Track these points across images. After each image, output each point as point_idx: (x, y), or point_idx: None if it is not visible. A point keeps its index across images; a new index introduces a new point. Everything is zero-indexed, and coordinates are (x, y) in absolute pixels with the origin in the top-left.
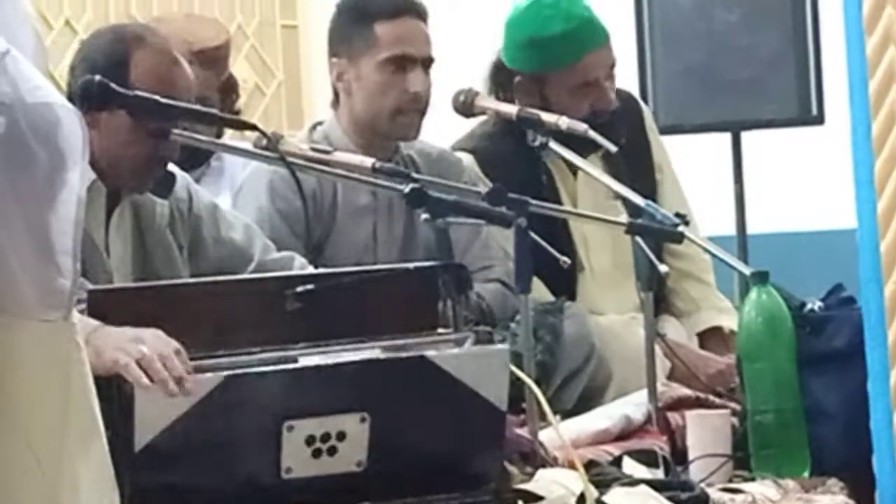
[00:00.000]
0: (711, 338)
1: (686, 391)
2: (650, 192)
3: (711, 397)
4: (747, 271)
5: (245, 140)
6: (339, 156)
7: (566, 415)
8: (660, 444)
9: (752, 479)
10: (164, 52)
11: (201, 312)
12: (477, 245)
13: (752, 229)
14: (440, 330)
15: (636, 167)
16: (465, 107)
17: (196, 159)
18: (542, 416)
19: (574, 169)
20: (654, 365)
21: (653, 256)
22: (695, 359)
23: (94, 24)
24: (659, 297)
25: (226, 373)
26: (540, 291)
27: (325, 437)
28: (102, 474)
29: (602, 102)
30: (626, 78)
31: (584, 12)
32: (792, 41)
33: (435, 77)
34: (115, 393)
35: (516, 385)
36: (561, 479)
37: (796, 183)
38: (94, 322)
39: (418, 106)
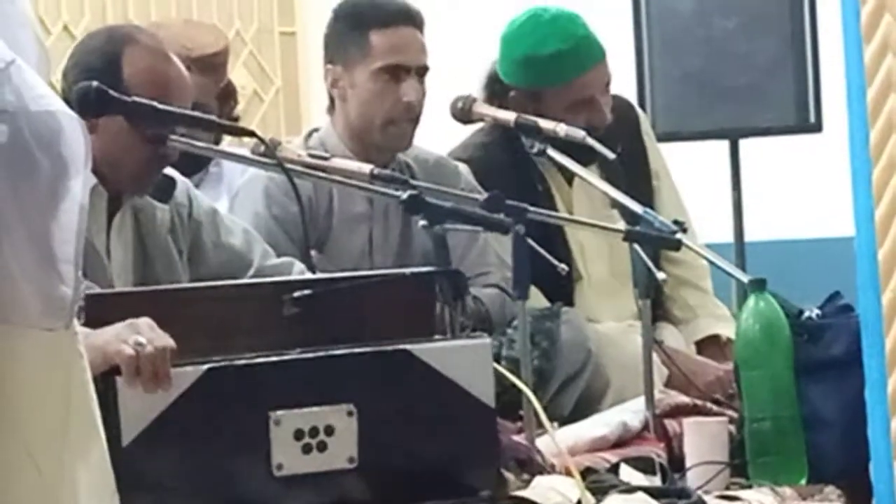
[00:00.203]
0: (709, 346)
1: (683, 398)
2: (647, 199)
3: (709, 404)
4: (745, 279)
5: (243, 146)
6: (337, 162)
7: (563, 421)
8: (657, 452)
9: (750, 487)
10: (156, 50)
11: (198, 317)
12: (474, 252)
13: (749, 237)
14: (437, 336)
15: (633, 174)
16: (463, 113)
17: (194, 165)
18: (539, 423)
19: (570, 178)
20: (652, 372)
21: (650, 264)
22: (692, 366)
23: (91, 29)
24: (656, 304)
25: (207, 365)
26: (537, 299)
27: (314, 432)
28: (103, 481)
29: (597, 119)
30: (624, 84)
31: (581, 30)
32: (790, 48)
33: (431, 84)
34: (100, 388)
35: (513, 391)
36: (558, 487)
37: (794, 190)
38: (85, 329)
39: (411, 116)
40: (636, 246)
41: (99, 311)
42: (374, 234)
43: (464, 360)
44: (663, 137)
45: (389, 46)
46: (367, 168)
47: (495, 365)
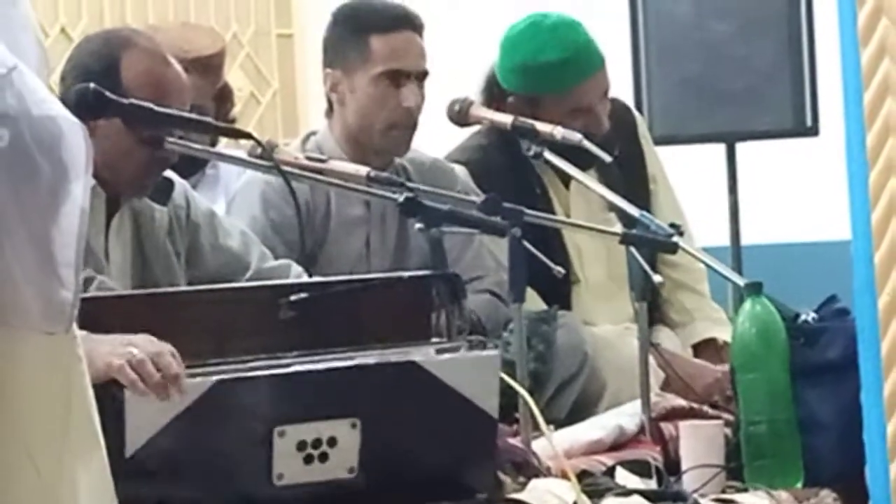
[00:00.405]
0: (706, 350)
1: (680, 401)
2: (644, 202)
3: (705, 408)
4: (741, 282)
5: (240, 149)
6: (334, 164)
7: (559, 424)
8: (653, 455)
9: (745, 490)
10: (154, 53)
11: (194, 320)
12: (469, 255)
13: (746, 240)
14: (434, 339)
15: (630, 178)
16: (460, 116)
17: (191, 167)
18: (535, 426)
19: (567, 181)
20: (648, 375)
21: (647, 267)
22: (689, 368)
23: (89, 32)
24: (653, 307)
25: (215, 378)
26: (535, 302)
27: (317, 444)
28: (103, 486)
29: (594, 126)
30: (621, 88)
31: (581, 38)
32: (787, 52)
33: (430, 87)
34: (105, 398)
35: (509, 394)
36: (554, 489)
37: (791, 194)
38: (80, 332)
39: (410, 122)
40: (632, 249)
41: (96, 315)
42: (372, 238)
43: (472, 372)
44: (660, 141)
45: (389, 51)
46: (363, 170)
47: None
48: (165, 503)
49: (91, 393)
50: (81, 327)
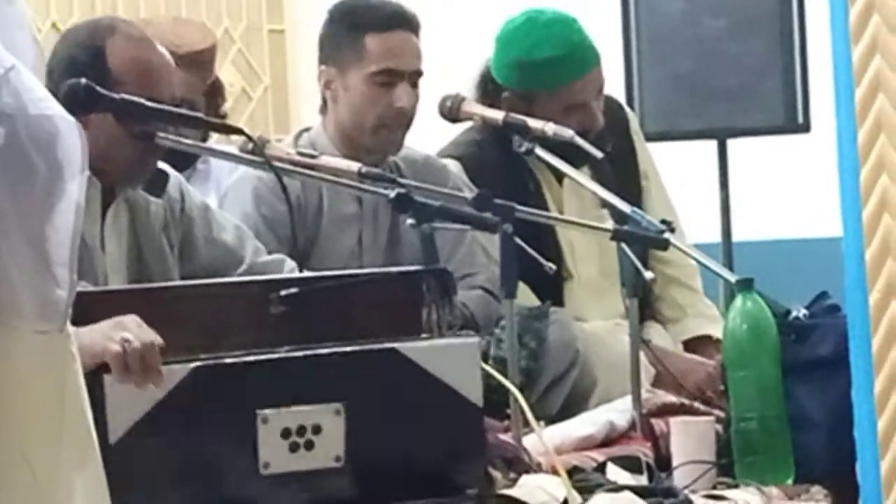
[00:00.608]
0: (698, 346)
1: (670, 398)
2: (636, 198)
3: (696, 404)
4: (732, 278)
5: (231, 144)
6: (326, 160)
7: (550, 421)
8: (644, 451)
9: (736, 486)
10: (139, 39)
11: (186, 315)
12: (461, 251)
13: (737, 237)
14: (424, 335)
15: (622, 174)
16: (452, 112)
17: (182, 162)
18: (526, 422)
19: (560, 177)
20: (639, 371)
21: (638, 263)
22: (681, 364)
23: None
24: (644, 303)
25: (193, 364)
26: (527, 297)
27: (301, 431)
28: (98, 485)
29: (588, 123)
30: (614, 84)
31: (576, 36)
32: (779, 49)
33: (424, 83)
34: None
35: (501, 391)
36: (545, 485)
37: (782, 191)
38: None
39: (402, 121)
40: (624, 245)
41: (87, 309)
42: (364, 235)
43: (452, 358)
44: (652, 137)
45: (384, 51)
46: (355, 166)
47: (483, 364)
48: (152, 491)
49: (85, 392)
50: (73, 323)
